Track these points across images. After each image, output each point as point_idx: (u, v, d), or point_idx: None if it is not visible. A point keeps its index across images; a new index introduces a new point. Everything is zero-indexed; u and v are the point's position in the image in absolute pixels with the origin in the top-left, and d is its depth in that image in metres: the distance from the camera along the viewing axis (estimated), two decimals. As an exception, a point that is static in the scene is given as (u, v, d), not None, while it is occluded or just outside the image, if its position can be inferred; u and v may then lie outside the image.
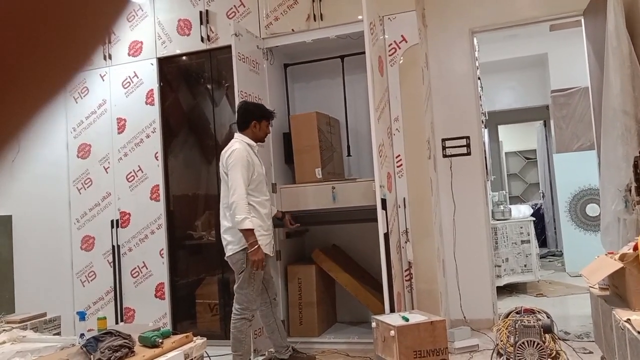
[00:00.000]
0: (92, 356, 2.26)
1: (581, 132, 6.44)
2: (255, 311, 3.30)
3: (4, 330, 3.06)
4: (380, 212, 3.35)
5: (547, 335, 2.40)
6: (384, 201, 3.40)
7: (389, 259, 3.42)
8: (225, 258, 3.27)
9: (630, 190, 3.42)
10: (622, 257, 2.31)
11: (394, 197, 3.76)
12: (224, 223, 3.22)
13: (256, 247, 3.07)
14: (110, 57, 4.58)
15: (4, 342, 2.79)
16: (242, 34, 3.90)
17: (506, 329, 2.52)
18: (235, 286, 3.22)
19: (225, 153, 3.21)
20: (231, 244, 3.18)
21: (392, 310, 3.34)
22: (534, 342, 2.31)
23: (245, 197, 3.07)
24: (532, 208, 6.74)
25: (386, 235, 3.40)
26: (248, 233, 3.05)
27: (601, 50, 3.79)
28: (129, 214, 4.48)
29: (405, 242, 3.71)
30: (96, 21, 0.30)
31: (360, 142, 4.45)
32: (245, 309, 3.19)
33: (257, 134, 3.30)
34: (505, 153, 10.33)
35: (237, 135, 3.30)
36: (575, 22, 4.60)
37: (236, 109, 3.41)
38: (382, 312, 3.35)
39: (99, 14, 0.30)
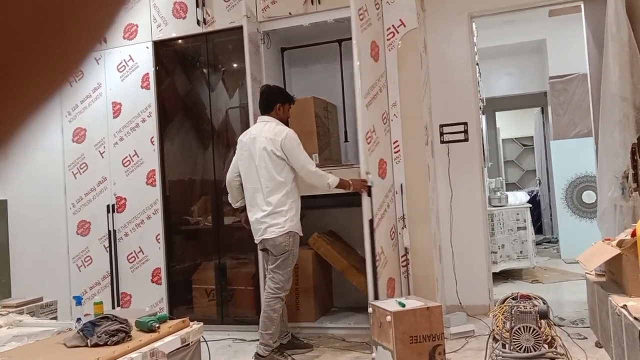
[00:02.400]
0: (88, 340, 2.26)
1: (578, 119, 6.43)
2: (288, 291, 3.33)
3: (0, 314, 3.05)
4: (365, 199, 3.36)
5: (542, 321, 2.40)
6: (369, 188, 3.40)
7: (373, 246, 3.41)
8: (259, 240, 3.27)
9: (627, 177, 3.42)
10: (620, 244, 2.32)
11: (389, 182, 3.75)
12: (264, 207, 3.22)
13: (351, 180, 3.32)
14: (105, 41, 4.49)
15: (0, 327, 2.79)
16: (251, 16, 3.87)
17: (502, 314, 2.52)
18: (272, 266, 3.25)
19: (276, 136, 3.21)
20: (273, 227, 3.19)
21: (376, 296, 3.35)
22: (530, 327, 2.32)
23: (315, 165, 3.28)
24: (529, 195, 6.76)
25: (371, 222, 3.39)
26: (343, 183, 3.29)
27: (600, 36, 3.77)
28: (125, 198, 4.46)
29: (402, 228, 3.71)
30: (95, 10, 0.29)
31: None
32: (281, 288, 3.24)
33: (281, 117, 3.35)
34: (502, 140, 10.33)
35: (266, 118, 3.33)
36: (575, 8, 4.57)
37: (260, 93, 3.45)
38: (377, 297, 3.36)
39: (100, 3, 0.29)
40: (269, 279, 3.29)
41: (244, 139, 3.37)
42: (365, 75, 3.55)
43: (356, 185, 3.33)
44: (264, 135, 3.24)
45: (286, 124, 3.41)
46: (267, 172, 3.21)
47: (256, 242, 3.35)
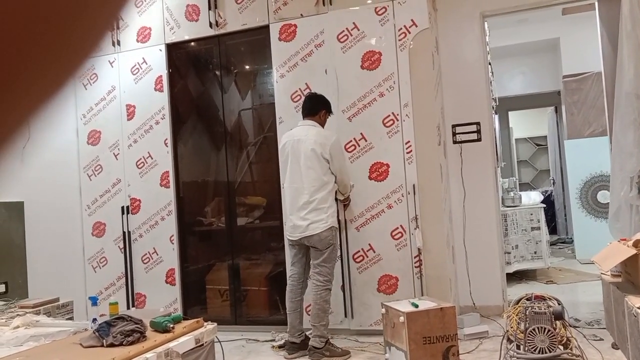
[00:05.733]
0: (104, 340, 2.29)
1: (593, 118, 6.37)
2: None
3: (17, 315, 3.10)
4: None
5: (557, 322, 2.39)
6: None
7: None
8: (301, 237, 3.42)
9: (643, 177, 3.38)
10: (636, 244, 2.29)
11: (392, 184, 3.76)
12: (308, 205, 3.41)
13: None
14: (118, 44, 4.57)
15: (17, 327, 2.83)
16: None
17: (516, 315, 2.51)
18: (318, 261, 3.41)
19: (325, 140, 3.42)
20: (317, 223, 3.37)
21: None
22: (545, 328, 2.30)
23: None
24: (543, 195, 6.71)
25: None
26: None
27: (615, 34, 3.73)
28: (139, 200, 4.50)
29: (415, 229, 3.70)
30: (104, 6, 0.29)
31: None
32: (329, 280, 3.43)
33: (322, 123, 3.57)
34: (516, 139, 10.25)
35: (310, 122, 3.53)
36: (589, 6, 4.53)
37: (307, 97, 3.66)
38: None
39: (105, 3, 0.30)
40: (315, 274, 3.41)
41: (285, 142, 3.56)
42: (350, 90, 3.87)
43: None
44: (312, 138, 3.42)
45: None
46: (314, 172, 3.40)
47: (294, 239, 3.47)
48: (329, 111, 3.61)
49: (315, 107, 3.56)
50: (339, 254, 3.66)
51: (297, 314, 3.51)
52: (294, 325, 3.50)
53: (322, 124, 3.56)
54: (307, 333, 3.54)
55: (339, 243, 3.57)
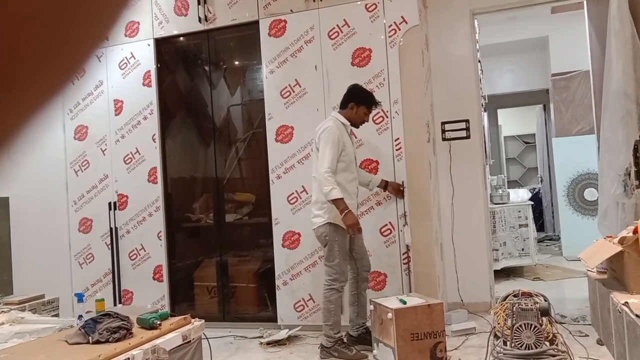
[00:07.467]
0: (90, 337, 2.27)
1: (581, 116, 6.42)
2: (345, 283, 3.38)
3: (2, 311, 3.06)
4: None
5: (544, 318, 2.40)
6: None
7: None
8: (313, 230, 3.40)
9: (629, 174, 3.41)
10: (622, 241, 2.31)
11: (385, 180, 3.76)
12: (311, 198, 3.40)
13: (347, 212, 3.17)
14: (106, 38, 4.51)
15: (2, 324, 2.79)
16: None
17: (503, 312, 2.52)
18: (323, 260, 3.37)
19: (319, 129, 3.34)
20: (316, 217, 3.33)
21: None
22: (531, 324, 2.32)
23: (330, 170, 3.20)
24: (530, 192, 6.75)
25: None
26: (338, 202, 3.17)
27: (603, 32, 3.76)
28: (127, 196, 4.46)
29: (404, 226, 3.71)
30: (99, 9, 0.29)
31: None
32: (334, 280, 3.29)
33: (352, 117, 3.38)
34: (504, 137, 10.31)
35: (334, 114, 3.44)
36: (578, 4, 4.56)
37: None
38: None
39: (103, 5, 0.29)
40: (324, 271, 3.36)
41: None
42: (341, 86, 3.70)
43: (348, 219, 3.16)
44: (317, 131, 3.36)
45: (356, 125, 3.43)
46: (315, 164, 3.34)
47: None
48: (362, 103, 3.34)
49: (345, 100, 3.39)
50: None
51: (356, 306, 3.45)
52: (352, 317, 3.47)
53: (353, 118, 3.36)
54: (368, 325, 3.43)
55: (343, 241, 3.30)
